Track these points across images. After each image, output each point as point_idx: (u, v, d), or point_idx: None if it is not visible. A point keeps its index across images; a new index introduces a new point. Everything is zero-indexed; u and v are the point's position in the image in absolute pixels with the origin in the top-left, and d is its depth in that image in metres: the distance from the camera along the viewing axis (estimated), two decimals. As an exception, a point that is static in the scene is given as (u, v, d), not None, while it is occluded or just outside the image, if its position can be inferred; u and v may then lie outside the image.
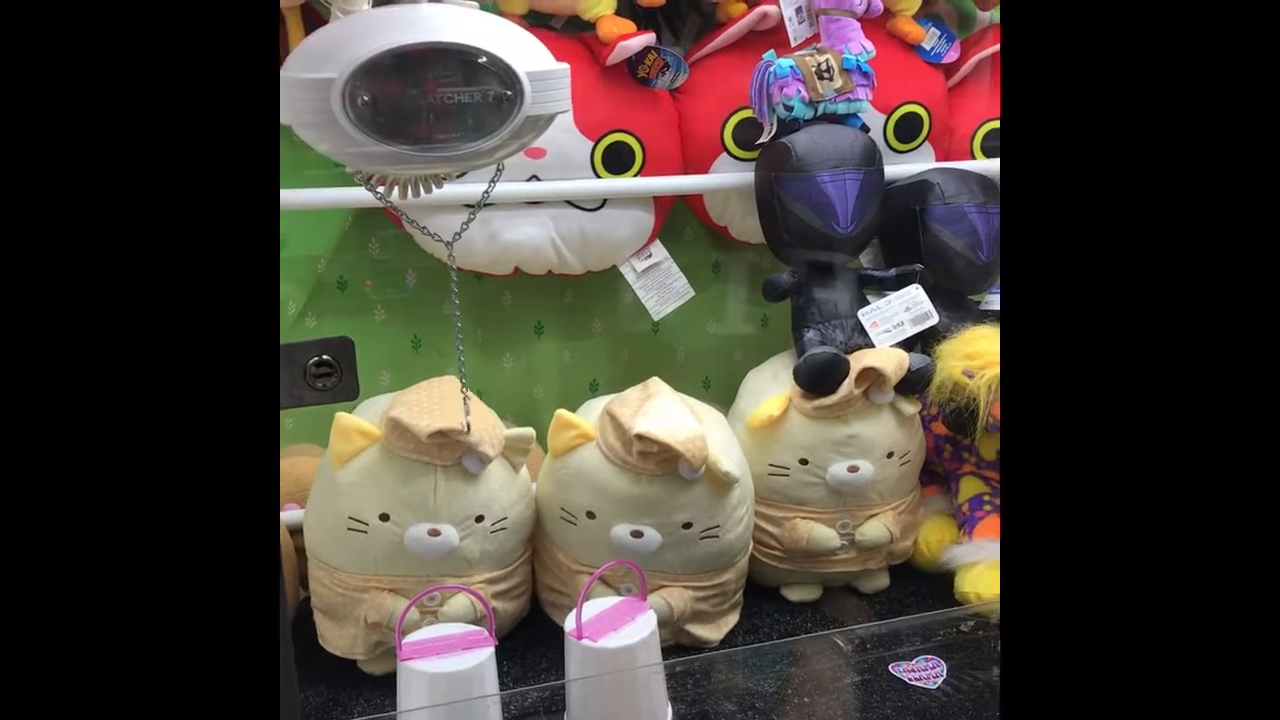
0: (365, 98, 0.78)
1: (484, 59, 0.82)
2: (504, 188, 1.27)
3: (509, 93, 0.81)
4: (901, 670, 1.19)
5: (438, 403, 1.17)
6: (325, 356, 0.70)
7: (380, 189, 0.94)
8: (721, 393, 1.53)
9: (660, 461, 1.17)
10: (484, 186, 1.23)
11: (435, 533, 1.15)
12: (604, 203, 1.37)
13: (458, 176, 1.04)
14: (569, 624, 1.08)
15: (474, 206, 1.05)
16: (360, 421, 1.16)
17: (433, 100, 0.80)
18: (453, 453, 1.15)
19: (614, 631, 1.07)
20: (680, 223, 1.51)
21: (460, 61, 0.81)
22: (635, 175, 1.37)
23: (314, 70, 0.79)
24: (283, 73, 0.78)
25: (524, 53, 0.84)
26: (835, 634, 1.24)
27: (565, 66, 0.87)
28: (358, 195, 1.26)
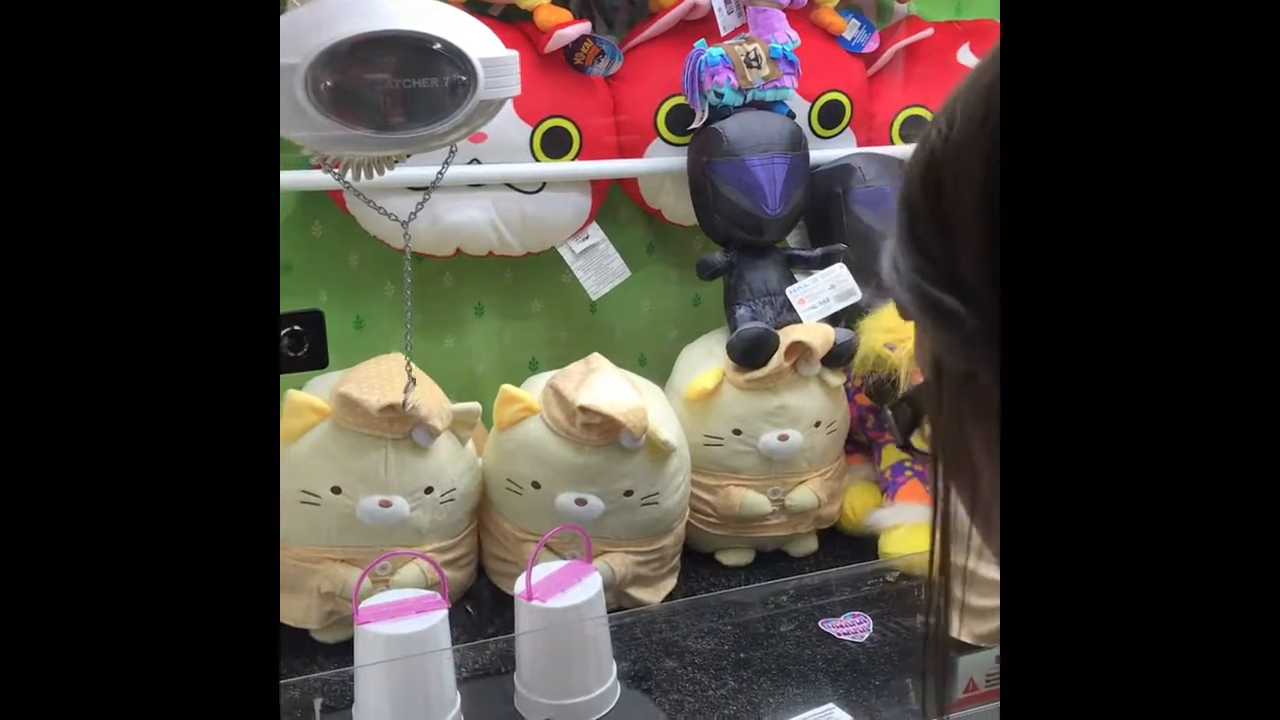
0: (327, 83, 0.82)
1: (438, 45, 0.86)
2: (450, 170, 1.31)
3: (464, 78, 0.86)
4: (831, 626, 1.27)
5: (387, 378, 1.22)
6: (297, 328, 0.74)
7: (335, 171, 0.97)
8: (657, 369, 1.59)
9: (603, 432, 1.22)
10: (427, 169, 1.28)
11: (386, 504, 1.19)
12: (543, 186, 1.41)
13: (406, 158, 1.08)
14: (519, 586, 1.13)
15: (425, 188, 1.09)
16: (311, 397, 1.20)
17: (391, 86, 0.84)
18: (403, 426, 1.19)
19: (561, 592, 1.13)
20: (615, 206, 1.56)
21: (416, 48, 0.85)
22: (573, 159, 1.42)
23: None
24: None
25: (476, 39, 0.89)
26: (760, 587, 1.32)
27: (515, 53, 0.92)
28: (299, 178, 1.31)
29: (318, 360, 0.74)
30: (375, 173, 1.00)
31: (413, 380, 1.13)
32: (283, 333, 0.73)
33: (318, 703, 1.05)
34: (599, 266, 1.50)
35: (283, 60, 0.82)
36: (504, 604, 1.32)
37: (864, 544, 1.45)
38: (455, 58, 0.86)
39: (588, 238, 1.49)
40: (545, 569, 1.17)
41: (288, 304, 1.44)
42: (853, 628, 1.27)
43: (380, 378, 1.21)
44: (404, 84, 0.84)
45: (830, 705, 1.13)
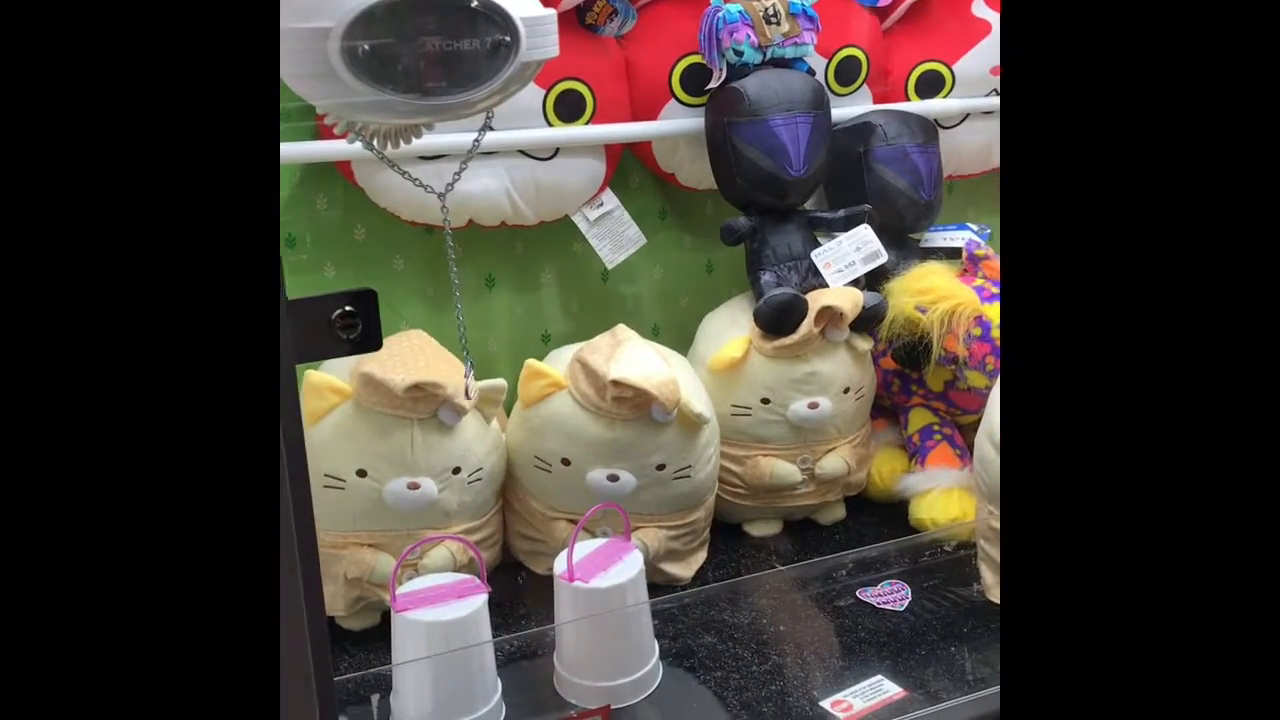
0: (364, 47, 0.77)
1: (476, 3, 0.81)
2: (459, 138, 1.26)
3: (506, 39, 0.81)
4: (869, 595, 1.25)
5: (409, 356, 1.17)
6: (349, 308, 0.69)
7: (364, 138, 0.92)
8: (670, 338, 1.55)
9: (634, 406, 1.19)
10: (438, 139, 1.23)
11: (415, 486, 1.15)
12: (556, 151, 1.37)
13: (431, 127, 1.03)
14: (558, 567, 1.09)
15: (441, 156, 1.04)
16: (331, 378, 1.16)
17: (430, 48, 0.79)
18: (428, 406, 1.15)
19: (603, 572, 1.09)
20: (626, 171, 1.52)
21: (455, 7, 0.80)
22: (586, 123, 1.37)
23: (306, 20, 0.78)
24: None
25: (513, -2, 0.84)
26: (819, 561, 1.29)
27: (552, 12, 0.87)
28: (304, 150, 1.26)
29: (372, 343, 0.69)
30: (402, 141, 0.95)
31: (471, 365, 1.09)
32: (334, 314, 0.68)
33: (375, 699, 1.01)
34: (614, 234, 1.46)
35: (315, 23, 0.77)
36: (535, 584, 1.29)
37: (892, 510, 1.43)
38: (496, 17, 0.81)
39: (602, 204, 1.45)
40: (582, 548, 1.14)
41: (294, 280, 1.40)
42: (891, 596, 1.24)
43: (402, 356, 1.17)
44: (444, 46, 0.79)
45: (879, 677, 1.10)
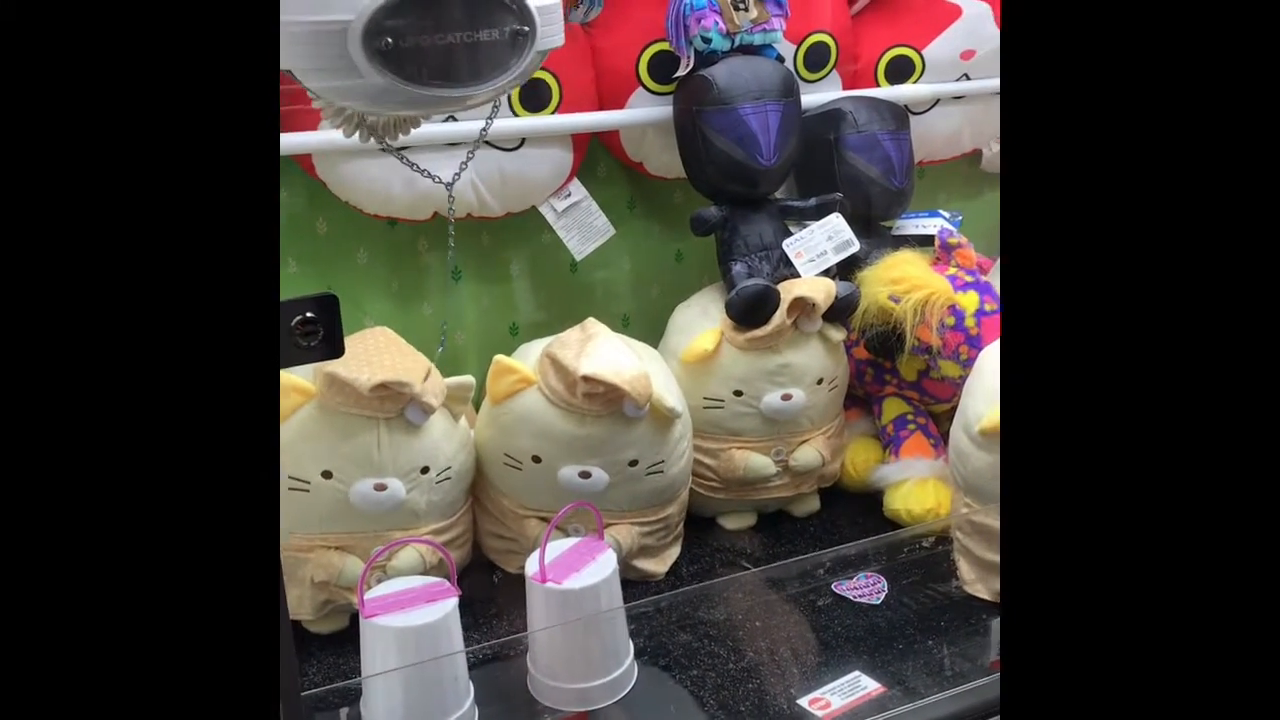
0: (387, 40, 0.75)
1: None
2: (422, 130, 1.23)
3: (524, 28, 0.80)
4: (844, 589, 1.24)
5: (374, 354, 1.15)
6: (309, 315, 0.67)
7: (360, 132, 0.90)
8: (640, 329, 1.53)
9: (605, 401, 1.17)
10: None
11: (381, 487, 1.13)
12: (522, 142, 1.34)
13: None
14: (530, 567, 1.07)
15: (403, 148, 1.01)
16: (295, 378, 1.13)
17: (452, 40, 0.77)
18: (395, 405, 1.12)
19: (576, 572, 1.07)
20: (593, 161, 1.49)
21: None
22: (552, 113, 1.34)
23: (320, 13, 0.75)
24: (283, 17, 0.75)
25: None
26: (797, 561, 1.28)
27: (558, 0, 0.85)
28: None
29: (333, 350, 0.67)
30: (401, 133, 0.93)
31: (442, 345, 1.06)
32: (293, 321, 0.66)
33: (344, 712, 0.99)
34: (582, 225, 1.44)
35: (334, 16, 0.75)
36: (507, 582, 1.27)
37: (867, 501, 1.42)
38: (514, 6, 0.79)
39: (569, 195, 1.42)
40: (554, 548, 1.12)
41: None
42: (867, 589, 1.23)
43: (367, 354, 1.14)
44: (466, 37, 0.77)
45: (856, 673, 1.09)
